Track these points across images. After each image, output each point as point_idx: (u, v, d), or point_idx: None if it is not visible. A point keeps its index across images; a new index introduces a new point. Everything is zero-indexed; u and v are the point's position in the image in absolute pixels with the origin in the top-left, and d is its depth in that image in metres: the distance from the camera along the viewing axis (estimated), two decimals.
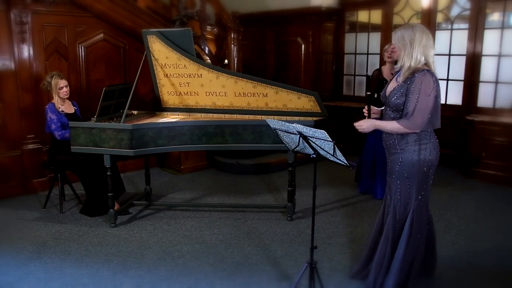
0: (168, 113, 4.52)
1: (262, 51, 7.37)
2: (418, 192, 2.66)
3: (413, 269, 2.74)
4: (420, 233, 2.72)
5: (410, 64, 2.53)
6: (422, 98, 2.49)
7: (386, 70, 4.65)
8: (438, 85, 2.55)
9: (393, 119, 2.64)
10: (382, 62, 6.54)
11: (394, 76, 2.76)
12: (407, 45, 2.53)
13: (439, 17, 5.94)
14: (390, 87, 2.70)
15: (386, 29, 6.42)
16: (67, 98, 4.34)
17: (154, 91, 4.50)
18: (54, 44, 5.00)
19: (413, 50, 2.51)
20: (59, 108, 4.23)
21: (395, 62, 4.09)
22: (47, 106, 4.22)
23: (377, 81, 4.56)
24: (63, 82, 4.23)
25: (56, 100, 4.22)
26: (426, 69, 2.52)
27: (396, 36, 2.58)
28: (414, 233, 2.68)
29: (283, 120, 2.69)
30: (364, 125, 2.70)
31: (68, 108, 4.34)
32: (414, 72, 2.53)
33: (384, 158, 3.51)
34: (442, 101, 5.91)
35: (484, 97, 5.58)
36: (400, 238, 2.69)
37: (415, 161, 2.60)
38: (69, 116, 4.27)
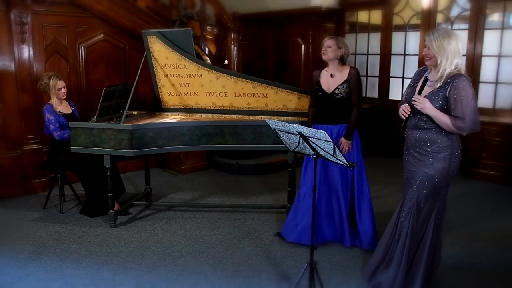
0: (168, 113, 4.52)
1: (262, 51, 7.37)
2: (441, 195, 2.76)
3: (435, 264, 2.85)
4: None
5: (450, 70, 2.57)
6: (467, 103, 2.54)
7: (324, 75, 3.55)
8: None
9: (425, 124, 2.66)
10: (385, 63, 6.56)
11: (423, 80, 2.73)
12: (448, 54, 2.55)
13: (439, 18, 5.94)
14: (424, 92, 2.70)
15: (386, 30, 6.43)
16: (64, 99, 4.34)
17: (154, 91, 4.50)
18: (54, 44, 5.01)
19: (454, 58, 2.56)
20: (57, 109, 4.22)
21: (342, 59, 3.48)
22: (44, 108, 4.20)
23: (315, 83, 3.61)
24: (61, 83, 4.22)
25: (54, 101, 4.22)
26: (463, 75, 2.57)
27: (434, 43, 2.58)
28: (436, 232, 2.77)
29: (283, 121, 2.70)
30: (426, 104, 2.60)
31: (65, 108, 4.33)
32: (449, 77, 2.58)
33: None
34: None
35: (484, 98, 5.58)
36: (423, 239, 2.76)
37: (447, 167, 2.67)
38: (67, 117, 4.27)
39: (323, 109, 3.54)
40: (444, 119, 2.60)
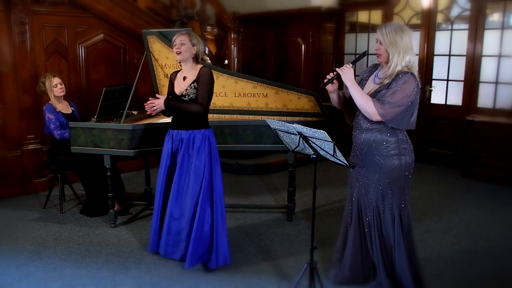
0: None
1: (262, 51, 7.37)
2: (400, 197, 2.64)
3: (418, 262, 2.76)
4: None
5: (401, 68, 2.51)
6: (400, 95, 2.47)
7: (179, 77, 3.24)
8: (418, 89, 2.53)
9: (371, 125, 2.61)
10: None
11: (368, 77, 2.71)
12: (400, 49, 2.49)
13: (439, 18, 5.94)
14: (368, 89, 2.66)
15: None
16: (64, 99, 4.35)
17: (154, 91, 4.50)
18: (54, 44, 5.01)
19: (406, 54, 2.49)
20: (56, 108, 4.23)
21: (196, 58, 3.16)
22: (44, 107, 4.22)
23: (170, 85, 3.33)
24: (56, 79, 4.24)
25: (52, 99, 4.23)
26: (410, 72, 2.50)
27: (386, 37, 2.51)
28: (407, 235, 2.68)
29: (283, 121, 2.69)
30: (349, 72, 2.56)
31: (65, 108, 4.35)
32: (398, 74, 2.52)
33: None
34: (442, 101, 5.94)
35: (484, 98, 5.59)
36: (397, 248, 2.67)
37: (397, 166, 2.58)
38: (67, 117, 4.27)
39: (174, 114, 3.25)
40: (360, 97, 2.51)
